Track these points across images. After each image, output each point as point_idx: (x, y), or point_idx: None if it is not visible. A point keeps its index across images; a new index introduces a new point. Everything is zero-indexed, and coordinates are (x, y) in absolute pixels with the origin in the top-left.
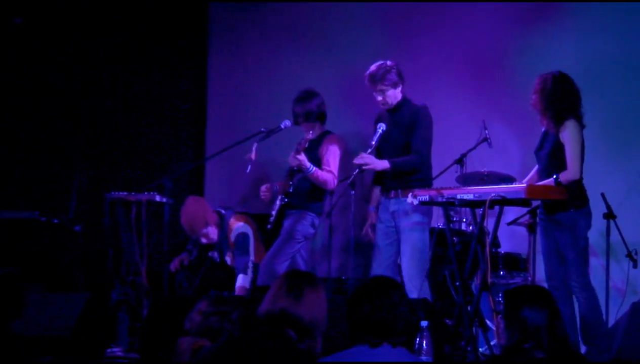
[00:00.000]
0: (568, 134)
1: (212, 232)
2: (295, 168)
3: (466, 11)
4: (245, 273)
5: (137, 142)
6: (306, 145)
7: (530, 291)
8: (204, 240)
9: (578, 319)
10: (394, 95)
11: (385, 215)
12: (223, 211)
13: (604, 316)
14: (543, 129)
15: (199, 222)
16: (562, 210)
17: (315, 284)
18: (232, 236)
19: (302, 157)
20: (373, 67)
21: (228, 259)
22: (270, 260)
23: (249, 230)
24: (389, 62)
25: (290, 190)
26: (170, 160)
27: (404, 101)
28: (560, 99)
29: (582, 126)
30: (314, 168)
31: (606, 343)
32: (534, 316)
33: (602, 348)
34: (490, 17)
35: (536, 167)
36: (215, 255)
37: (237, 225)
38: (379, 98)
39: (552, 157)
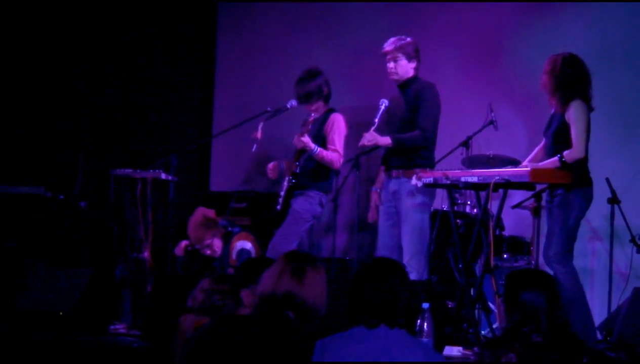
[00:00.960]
0: (573, 113)
1: (217, 245)
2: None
3: None
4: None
5: (144, 119)
6: (309, 127)
7: (531, 275)
8: (207, 252)
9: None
10: (406, 67)
11: (387, 195)
12: (230, 228)
13: (586, 298)
14: (552, 111)
15: (206, 233)
16: (560, 187)
17: (317, 266)
18: (234, 254)
19: (307, 139)
20: (392, 38)
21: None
22: (279, 240)
23: (250, 247)
24: (408, 38)
25: (297, 171)
26: (177, 137)
27: (414, 78)
28: (569, 80)
29: (589, 108)
30: (319, 148)
31: (592, 324)
32: (534, 300)
33: (588, 328)
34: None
35: (541, 144)
36: (216, 265)
37: (239, 242)
38: (391, 64)
39: (557, 136)
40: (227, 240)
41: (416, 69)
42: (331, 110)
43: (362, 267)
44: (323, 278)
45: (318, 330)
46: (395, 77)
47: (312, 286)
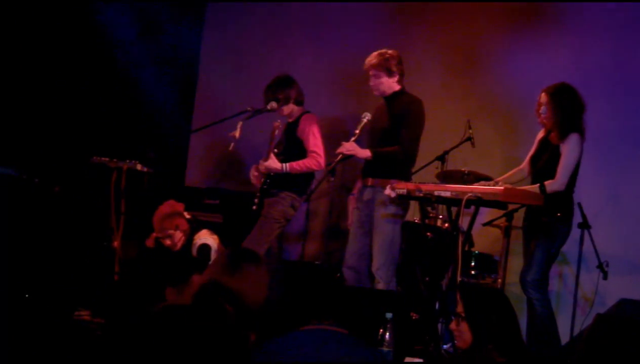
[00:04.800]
0: (569, 147)
1: (178, 238)
2: (275, 150)
3: (460, 11)
4: None
5: (125, 110)
6: (275, 150)
7: (490, 294)
8: (167, 242)
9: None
10: (388, 83)
11: (361, 202)
12: (195, 225)
13: (557, 325)
14: (540, 136)
15: (169, 223)
16: (547, 214)
17: (259, 263)
18: (195, 249)
19: (269, 163)
20: (374, 53)
21: None
22: (250, 241)
23: (211, 242)
24: (390, 51)
25: (271, 173)
26: (156, 130)
27: (401, 92)
28: (570, 112)
29: (583, 140)
30: (287, 165)
31: (558, 350)
32: (494, 319)
33: (555, 353)
34: (483, 20)
35: (521, 165)
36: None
37: (201, 238)
38: (372, 81)
39: (550, 167)
40: (190, 235)
41: (400, 82)
42: (305, 112)
43: (297, 271)
44: (263, 275)
45: (258, 325)
46: (377, 93)
47: (250, 281)
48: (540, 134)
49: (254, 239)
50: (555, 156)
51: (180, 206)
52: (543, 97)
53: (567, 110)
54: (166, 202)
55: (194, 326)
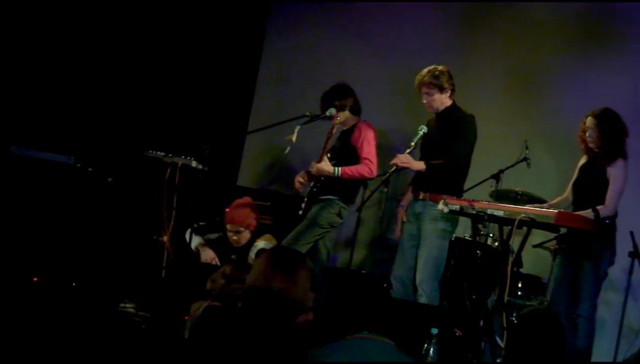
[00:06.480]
0: (617, 173)
1: (245, 236)
2: (329, 154)
3: (523, 32)
4: None
5: (183, 105)
6: (328, 154)
7: (541, 316)
8: (234, 237)
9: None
10: (440, 100)
11: (411, 216)
12: (260, 228)
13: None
14: (582, 162)
15: (242, 220)
16: (591, 239)
17: (306, 264)
18: (254, 253)
19: (321, 165)
20: (423, 70)
21: None
22: (290, 240)
23: (269, 247)
24: (440, 67)
25: (322, 178)
26: (213, 128)
27: (453, 107)
28: (616, 137)
29: (627, 163)
30: (340, 169)
31: None
32: (542, 341)
33: None
34: (546, 42)
35: (566, 193)
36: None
37: (261, 242)
38: (425, 99)
39: (595, 191)
40: (254, 237)
41: (452, 97)
42: (361, 120)
43: (344, 279)
44: (309, 276)
45: (308, 326)
46: (431, 110)
47: (302, 283)
48: (582, 160)
49: (294, 238)
50: (602, 180)
51: (256, 206)
52: (589, 121)
53: (614, 133)
54: (243, 198)
55: (248, 329)
